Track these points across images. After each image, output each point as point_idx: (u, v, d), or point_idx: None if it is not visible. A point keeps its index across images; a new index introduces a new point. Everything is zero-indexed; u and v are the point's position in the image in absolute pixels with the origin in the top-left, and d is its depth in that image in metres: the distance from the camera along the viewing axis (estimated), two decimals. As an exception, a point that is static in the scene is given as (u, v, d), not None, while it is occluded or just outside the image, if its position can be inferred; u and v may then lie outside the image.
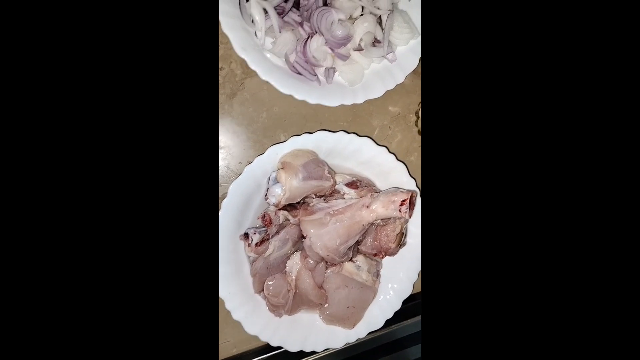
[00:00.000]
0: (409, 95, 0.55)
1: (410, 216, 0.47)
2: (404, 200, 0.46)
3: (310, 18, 0.45)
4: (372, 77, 0.50)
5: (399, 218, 0.47)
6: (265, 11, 0.44)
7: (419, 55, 0.50)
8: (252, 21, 0.45)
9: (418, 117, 0.56)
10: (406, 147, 0.56)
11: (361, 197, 0.48)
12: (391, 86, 0.50)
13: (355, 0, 0.46)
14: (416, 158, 0.56)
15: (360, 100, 0.49)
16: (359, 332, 0.52)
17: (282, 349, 0.50)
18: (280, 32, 0.45)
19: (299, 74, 0.47)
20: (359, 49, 0.48)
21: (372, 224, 0.49)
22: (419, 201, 0.51)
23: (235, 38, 0.43)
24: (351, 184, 0.49)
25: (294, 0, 0.45)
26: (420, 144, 0.56)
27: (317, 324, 0.51)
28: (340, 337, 0.51)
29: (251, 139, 0.51)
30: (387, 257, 0.52)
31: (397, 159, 0.51)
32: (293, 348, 0.49)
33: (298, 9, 0.46)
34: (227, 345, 0.52)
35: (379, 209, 0.46)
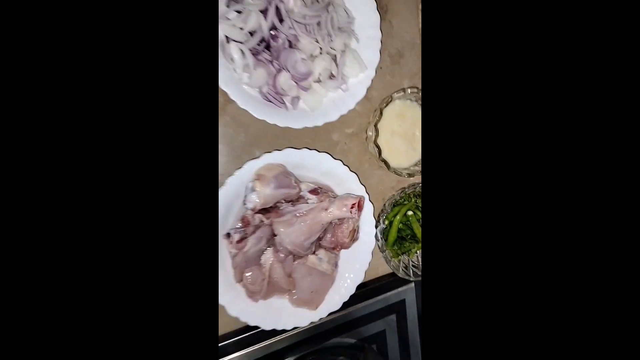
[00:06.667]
0: (361, 118, 0.67)
1: (359, 216, 0.58)
2: (353, 204, 0.57)
3: (279, 57, 0.56)
4: (329, 104, 0.62)
5: (351, 218, 0.59)
6: (242, 52, 0.55)
7: (367, 85, 0.62)
8: (232, 59, 0.55)
9: (367, 135, 0.68)
10: (359, 160, 0.68)
11: (321, 201, 0.59)
12: (344, 111, 0.61)
13: (314, 43, 0.57)
14: (367, 168, 0.68)
15: (320, 123, 0.60)
16: (321, 313, 0.63)
17: (259, 329, 0.60)
18: (254, 68, 0.55)
19: (270, 102, 0.58)
20: (318, 81, 0.60)
21: (330, 223, 0.60)
22: (368, 205, 0.63)
23: (219, 74, 0.53)
24: (313, 191, 0.60)
25: (265, 42, 0.56)
26: (370, 157, 0.68)
27: (287, 307, 0.62)
28: (306, 317, 0.62)
29: (231, 155, 0.60)
30: (343, 250, 0.63)
31: (350, 170, 0.63)
32: (267, 327, 0.60)
33: (269, 50, 0.57)
34: (210, 328, 0.62)
35: (335, 211, 0.58)
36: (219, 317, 0.58)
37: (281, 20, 0.55)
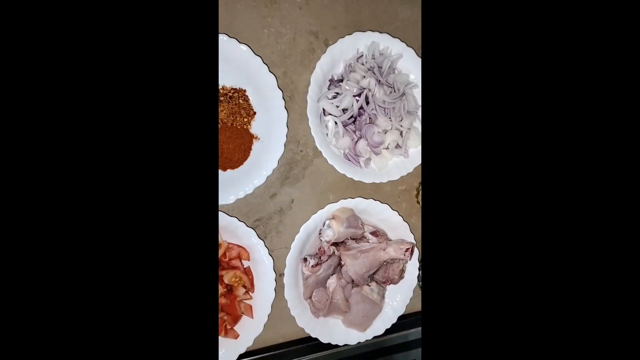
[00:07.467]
0: (412, 178, 0.83)
1: (410, 259, 0.73)
2: (408, 248, 0.72)
3: (361, 129, 0.74)
4: (392, 166, 0.78)
5: (403, 259, 0.74)
6: (335, 123, 0.73)
7: (423, 156, 0.79)
8: (326, 127, 0.73)
9: (418, 192, 0.84)
10: (409, 212, 0.83)
11: (380, 242, 0.74)
12: (404, 173, 0.78)
13: (388, 121, 0.75)
14: (414, 220, 0.84)
15: (384, 180, 0.77)
16: (367, 335, 0.76)
17: (316, 341, 0.74)
18: (342, 136, 0.73)
19: (349, 161, 0.75)
20: (387, 148, 0.77)
21: (385, 261, 0.75)
22: (416, 251, 0.77)
23: (317, 137, 0.71)
24: (373, 233, 0.76)
25: (353, 118, 0.74)
26: (417, 210, 0.84)
27: (340, 326, 0.76)
28: (355, 337, 0.76)
29: (314, 196, 0.77)
30: (391, 285, 0.77)
31: (404, 220, 0.78)
32: (324, 340, 0.73)
33: (354, 123, 0.75)
34: (276, 336, 0.75)
35: (392, 251, 0.73)
36: (291, 326, 0.72)
37: (367, 103, 0.73)
